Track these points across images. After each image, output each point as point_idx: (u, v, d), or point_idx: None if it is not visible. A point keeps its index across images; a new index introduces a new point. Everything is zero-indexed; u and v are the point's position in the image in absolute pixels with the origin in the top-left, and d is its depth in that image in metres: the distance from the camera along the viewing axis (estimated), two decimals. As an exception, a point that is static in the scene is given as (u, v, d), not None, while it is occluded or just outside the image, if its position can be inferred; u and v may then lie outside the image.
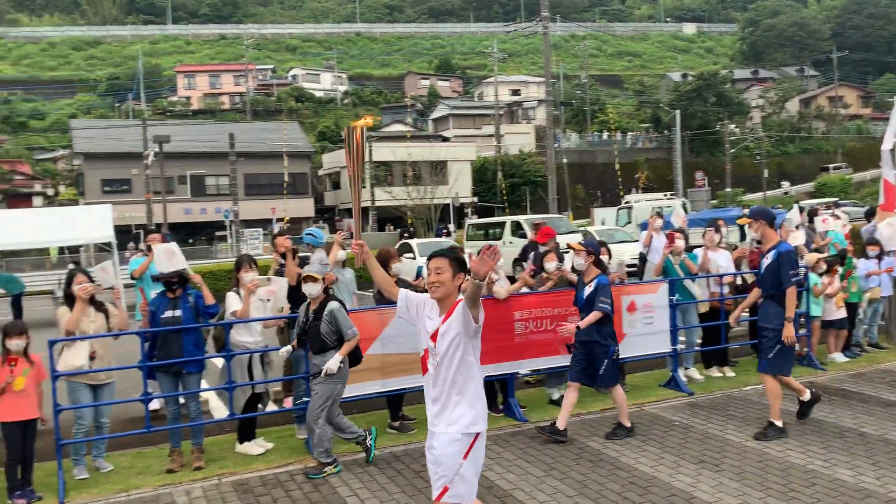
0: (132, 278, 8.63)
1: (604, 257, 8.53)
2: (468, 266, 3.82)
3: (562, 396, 7.99)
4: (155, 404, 7.74)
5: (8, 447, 5.91)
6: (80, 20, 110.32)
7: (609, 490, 5.50)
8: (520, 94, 75.60)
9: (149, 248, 8.60)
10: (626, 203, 33.08)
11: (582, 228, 24.61)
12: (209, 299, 6.68)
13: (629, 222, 27.47)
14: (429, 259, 4.00)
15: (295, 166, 50.49)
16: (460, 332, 3.78)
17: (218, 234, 47.96)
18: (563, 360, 7.62)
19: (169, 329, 6.47)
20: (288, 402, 7.78)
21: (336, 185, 57.40)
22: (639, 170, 59.43)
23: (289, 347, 6.62)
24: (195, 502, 5.64)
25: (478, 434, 3.87)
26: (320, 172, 59.12)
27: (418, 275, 9.22)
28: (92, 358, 6.38)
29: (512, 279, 8.60)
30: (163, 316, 6.56)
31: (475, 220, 34.60)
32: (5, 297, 18.99)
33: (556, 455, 6.33)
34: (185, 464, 6.44)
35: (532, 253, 9.75)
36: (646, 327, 8.23)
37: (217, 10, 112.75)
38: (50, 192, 57.36)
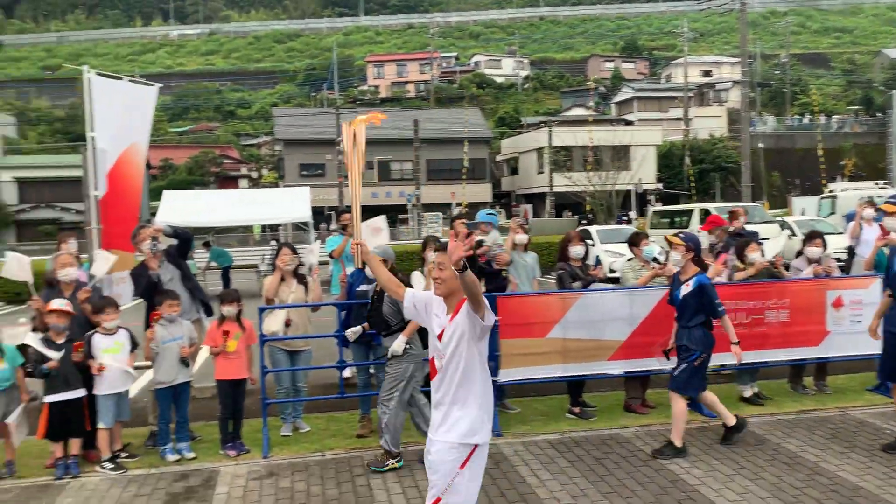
0: (330, 257, 9.13)
1: (816, 249, 7.91)
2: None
3: (754, 394, 7.56)
4: (347, 372, 8.21)
5: (221, 403, 6.54)
6: (283, 14, 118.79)
7: (807, 496, 5.11)
8: (711, 76, 71.68)
9: (343, 228, 9.06)
10: (829, 192, 30.39)
11: (779, 218, 22.96)
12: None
13: (832, 213, 25.20)
14: (434, 252, 3.85)
15: (474, 152, 51.32)
16: (466, 333, 3.55)
17: (400, 216, 49.97)
18: (757, 356, 7.19)
19: (363, 301, 6.83)
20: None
21: (514, 171, 57.68)
22: (845, 156, 54.33)
23: (359, 329, 6.60)
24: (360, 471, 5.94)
25: (476, 446, 3.60)
26: (498, 158, 59.69)
27: (597, 263, 9.03)
28: (287, 325, 6.90)
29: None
30: (358, 289, 6.95)
31: (659, 207, 33.35)
32: (216, 269, 21.03)
33: (747, 454, 5.99)
34: (374, 430, 6.79)
35: (722, 243, 9.23)
36: (853, 325, 7.52)
37: (405, 1, 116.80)
38: (254, 174, 62.54)
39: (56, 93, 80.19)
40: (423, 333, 5.83)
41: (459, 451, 3.57)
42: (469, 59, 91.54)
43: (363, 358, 7.01)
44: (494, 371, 6.92)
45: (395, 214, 50.98)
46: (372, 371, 7.17)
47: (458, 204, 42.59)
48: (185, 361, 6.46)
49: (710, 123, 57.84)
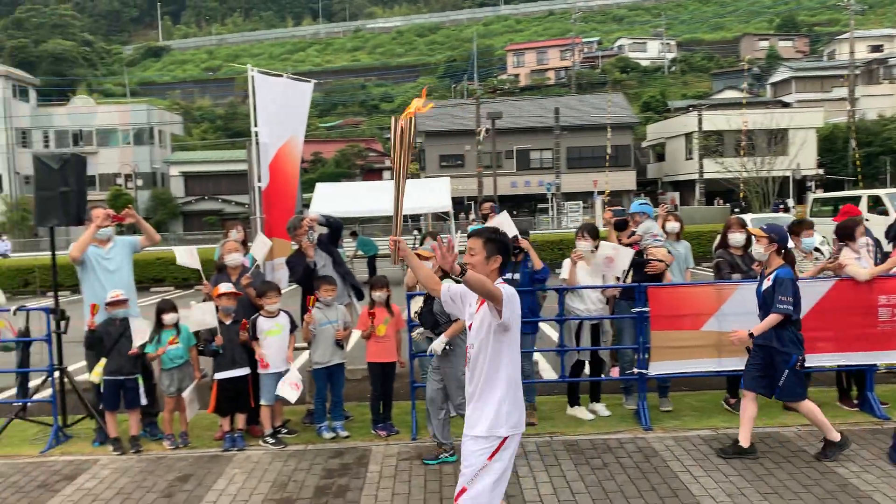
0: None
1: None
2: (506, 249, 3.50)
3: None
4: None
5: (372, 385, 6.78)
6: (424, 9, 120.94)
7: None
8: (882, 51, 65.78)
9: (484, 218, 9.13)
10: None
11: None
12: (538, 264, 6.90)
13: None
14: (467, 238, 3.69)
15: (618, 138, 49.97)
16: (490, 325, 3.50)
17: (540, 206, 49.64)
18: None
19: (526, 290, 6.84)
20: (615, 372, 7.79)
21: (660, 157, 55.71)
22: None
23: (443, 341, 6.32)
24: (530, 455, 5.94)
25: (504, 439, 3.55)
26: (643, 144, 57.84)
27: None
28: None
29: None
30: (503, 277, 6.95)
31: (820, 194, 31.08)
32: (362, 258, 21.82)
33: (929, 462, 5.47)
34: (534, 420, 6.80)
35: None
36: None
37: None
38: (397, 166, 64.22)
39: (217, 92, 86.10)
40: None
41: (488, 442, 3.55)
42: (612, 44, 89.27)
43: (526, 346, 7.01)
44: (645, 364, 6.75)
45: (534, 204, 50.82)
46: (535, 359, 7.16)
47: (601, 192, 41.67)
48: (340, 344, 6.74)
49: (879, 103, 53.12)
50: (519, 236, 6.87)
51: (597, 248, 6.94)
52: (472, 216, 37.80)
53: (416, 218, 38.14)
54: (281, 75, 8.64)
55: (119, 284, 6.69)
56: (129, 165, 55.09)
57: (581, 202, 46.40)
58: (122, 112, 58.48)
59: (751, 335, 5.67)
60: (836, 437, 5.63)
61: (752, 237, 6.03)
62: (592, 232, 7.00)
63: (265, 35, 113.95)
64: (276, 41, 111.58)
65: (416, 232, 28.15)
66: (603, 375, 7.32)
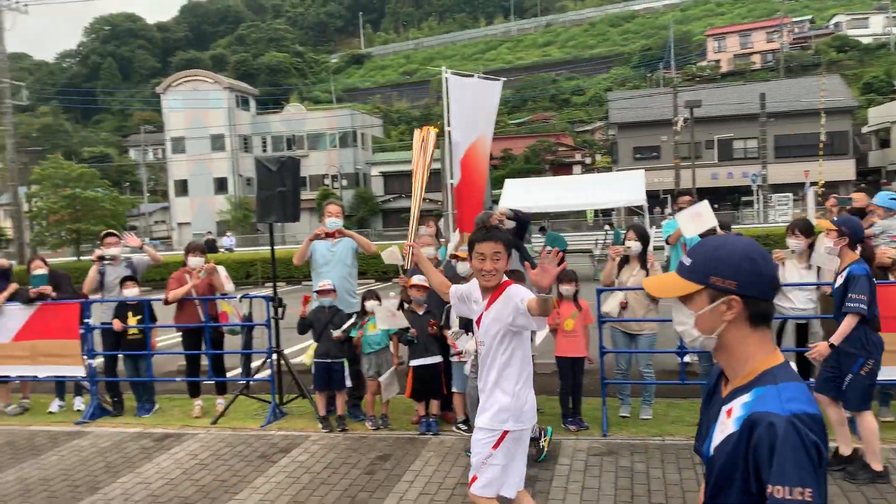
0: (667, 243, 8.93)
1: None
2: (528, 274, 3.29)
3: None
4: (688, 358, 7.97)
5: (561, 379, 6.81)
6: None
7: None
8: None
9: (679, 210, 8.79)
10: None
11: None
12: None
13: None
14: (477, 241, 3.62)
15: (833, 124, 45.71)
16: (503, 323, 3.55)
17: (744, 199, 46.65)
18: None
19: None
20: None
21: (884, 144, 50.23)
22: None
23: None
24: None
25: (506, 432, 3.64)
26: (864, 130, 52.42)
27: None
28: (623, 307, 6.89)
29: None
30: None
31: None
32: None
33: None
34: (716, 420, 6.52)
35: None
36: None
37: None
38: (587, 160, 63.31)
39: (413, 94, 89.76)
40: None
41: (490, 434, 3.68)
42: (827, 21, 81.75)
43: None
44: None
45: (737, 197, 47.84)
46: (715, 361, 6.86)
47: (813, 183, 38.37)
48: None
49: None
50: (718, 229, 6.58)
51: (810, 246, 6.46)
52: (667, 210, 36.41)
53: (608, 213, 37.45)
54: (472, 75, 8.88)
55: (336, 276, 7.26)
56: (334, 167, 59.11)
57: (791, 194, 42.99)
58: (328, 117, 62.83)
59: (832, 346, 5.19)
60: (880, 467, 5.12)
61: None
62: (805, 229, 6.50)
63: (458, 36, 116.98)
64: (469, 41, 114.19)
65: (607, 227, 27.57)
66: (812, 379, 6.80)
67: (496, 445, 3.67)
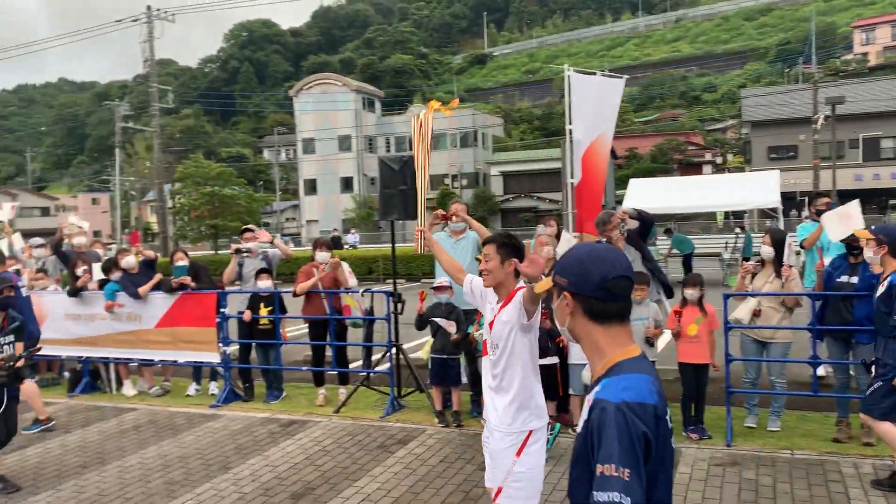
0: (801, 247, 8.46)
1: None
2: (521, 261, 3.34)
3: None
4: (821, 370, 7.52)
5: (683, 385, 6.59)
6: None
7: None
8: None
9: (818, 214, 8.30)
10: None
11: None
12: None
13: None
14: (483, 244, 3.78)
15: None
16: (515, 324, 3.58)
17: (891, 202, 43.28)
18: None
19: (841, 294, 6.17)
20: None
21: None
22: None
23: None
24: (865, 477, 5.31)
25: (530, 432, 3.62)
26: None
27: None
28: (756, 315, 6.57)
29: None
30: (838, 280, 6.29)
31: None
32: (677, 256, 21.08)
33: None
34: (853, 436, 6.11)
35: None
36: None
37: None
38: (718, 160, 60.79)
39: (535, 94, 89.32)
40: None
41: (514, 437, 3.61)
42: None
43: (841, 356, 6.34)
44: None
45: (884, 199, 44.45)
46: (852, 373, 6.43)
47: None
48: (650, 342, 6.66)
49: None
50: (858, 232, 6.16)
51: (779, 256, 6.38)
52: (804, 213, 34.37)
53: (739, 215, 35.79)
54: (595, 73, 8.75)
55: None
56: (454, 166, 59.77)
57: (945, 197, 39.50)
58: (450, 118, 63.61)
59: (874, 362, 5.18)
60: None
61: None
62: (776, 237, 6.20)
63: (583, 34, 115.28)
64: (594, 39, 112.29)
65: (738, 230, 26.34)
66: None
67: (519, 451, 3.61)
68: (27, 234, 12.69)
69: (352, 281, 8.43)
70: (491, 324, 3.79)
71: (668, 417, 1.87)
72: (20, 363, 5.86)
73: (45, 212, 71.12)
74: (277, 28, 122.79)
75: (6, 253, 11.37)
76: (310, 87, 63.40)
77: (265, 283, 8.43)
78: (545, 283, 2.29)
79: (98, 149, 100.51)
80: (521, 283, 3.71)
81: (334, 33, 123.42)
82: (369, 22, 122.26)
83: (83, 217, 13.00)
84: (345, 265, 8.44)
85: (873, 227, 5.53)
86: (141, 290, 8.73)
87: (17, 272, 10.14)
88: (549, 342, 6.74)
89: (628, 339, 1.98)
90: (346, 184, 62.11)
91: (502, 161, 62.27)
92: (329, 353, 8.57)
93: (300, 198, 64.47)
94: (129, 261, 8.95)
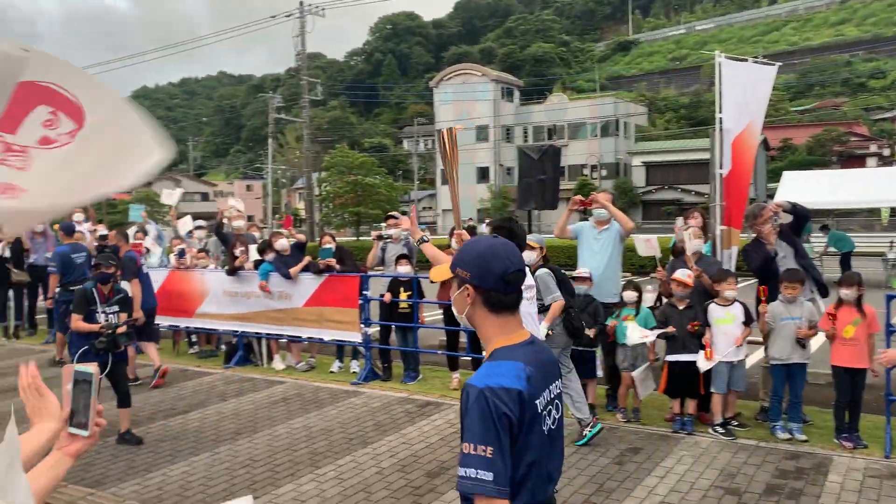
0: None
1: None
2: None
3: None
4: None
5: (837, 390, 6.19)
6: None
7: None
8: None
9: None
10: None
11: None
12: None
13: None
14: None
15: None
16: None
17: None
18: None
19: None
20: None
21: None
22: None
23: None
24: None
25: None
26: None
27: None
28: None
29: None
30: None
31: None
32: (835, 254, 19.69)
33: None
34: None
35: None
36: None
37: None
38: (885, 152, 56.03)
39: (682, 81, 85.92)
40: (567, 324, 6.26)
41: None
42: None
43: None
44: None
45: None
46: None
47: None
48: (802, 342, 6.31)
49: None
50: None
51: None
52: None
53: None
54: (746, 59, 8.32)
55: (595, 264, 7.27)
56: (594, 156, 58.68)
57: None
58: (591, 106, 62.46)
59: None
60: None
61: None
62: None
63: (735, 18, 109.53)
64: (747, 23, 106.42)
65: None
66: None
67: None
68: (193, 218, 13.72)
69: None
70: None
71: (540, 402, 1.99)
72: (120, 330, 6.41)
73: (204, 197, 76.56)
74: (420, 20, 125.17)
75: (175, 234, 12.41)
76: (450, 78, 64.27)
77: (405, 269, 8.70)
78: (441, 272, 2.38)
79: (252, 138, 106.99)
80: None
81: (475, 23, 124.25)
82: (511, 11, 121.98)
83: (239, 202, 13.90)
84: None
85: None
86: (292, 270, 9.25)
87: (182, 252, 11.05)
88: (692, 341, 6.54)
89: (517, 326, 2.13)
90: (483, 174, 62.55)
91: (645, 151, 60.47)
92: (464, 339, 8.73)
93: (437, 187, 65.64)
94: (282, 243, 9.51)
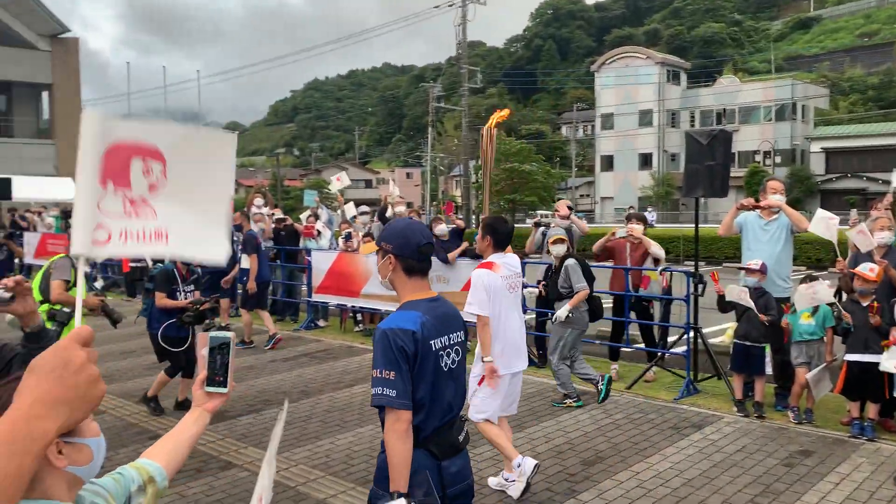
0: None
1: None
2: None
3: None
4: None
5: None
6: None
7: None
8: None
9: None
10: None
11: None
12: None
13: None
14: None
15: None
16: None
17: None
18: None
19: None
20: None
21: None
22: None
23: (536, 291, 8.25)
24: None
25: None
26: None
27: None
28: None
29: None
30: None
31: None
32: None
33: None
34: None
35: None
36: None
37: None
38: None
39: (871, 60, 78.46)
40: (590, 304, 7.11)
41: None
42: None
43: None
44: None
45: None
46: None
47: None
48: None
49: None
50: None
51: None
52: None
53: None
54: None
55: (766, 256, 6.89)
56: (767, 142, 55.05)
57: None
58: (765, 89, 58.62)
59: None
60: None
61: None
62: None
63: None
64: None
65: None
66: None
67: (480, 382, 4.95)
68: (356, 204, 14.39)
69: (659, 252, 8.35)
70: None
71: (435, 342, 2.69)
72: (204, 306, 6.92)
73: (368, 184, 79.83)
74: (582, 3, 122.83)
75: (341, 218, 13.08)
76: (612, 62, 62.65)
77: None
78: (370, 247, 3.30)
79: (413, 127, 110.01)
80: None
81: (640, 5, 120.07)
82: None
83: (399, 188, 14.45)
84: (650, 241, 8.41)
85: None
86: (450, 255, 9.49)
87: (349, 235, 11.64)
88: (875, 340, 6.03)
89: (425, 287, 2.84)
90: (645, 160, 60.59)
91: (826, 136, 55.94)
92: (633, 330, 8.62)
93: (595, 174, 64.39)
94: (441, 228, 9.76)
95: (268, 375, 8.58)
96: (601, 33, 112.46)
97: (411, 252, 2.74)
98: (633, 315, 8.57)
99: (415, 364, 2.60)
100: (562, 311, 6.92)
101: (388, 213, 11.42)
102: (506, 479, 5.06)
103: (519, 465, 4.85)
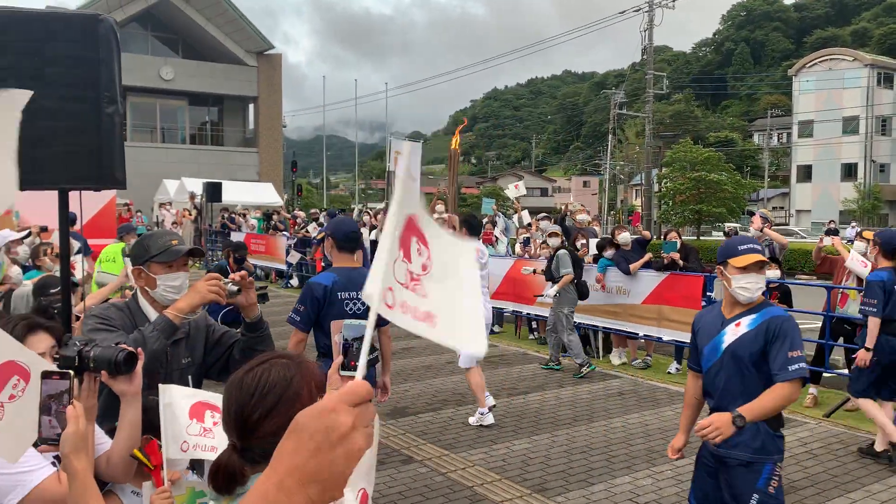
0: None
1: None
2: None
3: None
4: None
5: None
6: None
7: None
8: None
9: None
10: None
11: None
12: None
13: None
14: None
15: None
16: None
17: None
18: None
19: None
20: None
21: None
22: None
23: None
24: None
25: None
26: None
27: None
28: None
29: None
30: None
31: None
32: None
33: None
34: None
35: None
36: None
37: None
38: None
39: None
40: (577, 286, 8.86)
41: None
42: None
43: None
44: None
45: None
46: None
47: None
48: None
49: None
50: None
51: None
52: None
53: None
54: None
55: None
56: None
57: None
58: None
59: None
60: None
61: None
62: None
63: None
64: None
65: None
66: None
67: None
68: (532, 212, 14.42)
69: (864, 271, 7.63)
70: None
71: (342, 294, 4.15)
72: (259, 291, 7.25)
73: (543, 192, 79.78)
74: (780, 3, 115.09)
75: (518, 224, 13.17)
76: (812, 65, 58.11)
77: (773, 273, 8.12)
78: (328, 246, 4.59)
79: (592, 135, 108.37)
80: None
81: (846, 3, 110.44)
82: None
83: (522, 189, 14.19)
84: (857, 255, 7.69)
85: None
86: (632, 266, 9.23)
87: (527, 241, 11.68)
88: None
89: (349, 260, 4.31)
90: (848, 171, 55.57)
91: None
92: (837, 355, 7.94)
93: (791, 185, 59.96)
94: (625, 237, 9.53)
95: (445, 376, 8.81)
96: (800, 35, 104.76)
97: (341, 236, 4.31)
98: (840, 339, 7.86)
99: (322, 305, 4.14)
100: (551, 290, 8.82)
101: (568, 222, 11.32)
102: (482, 414, 6.77)
103: (483, 413, 6.76)
